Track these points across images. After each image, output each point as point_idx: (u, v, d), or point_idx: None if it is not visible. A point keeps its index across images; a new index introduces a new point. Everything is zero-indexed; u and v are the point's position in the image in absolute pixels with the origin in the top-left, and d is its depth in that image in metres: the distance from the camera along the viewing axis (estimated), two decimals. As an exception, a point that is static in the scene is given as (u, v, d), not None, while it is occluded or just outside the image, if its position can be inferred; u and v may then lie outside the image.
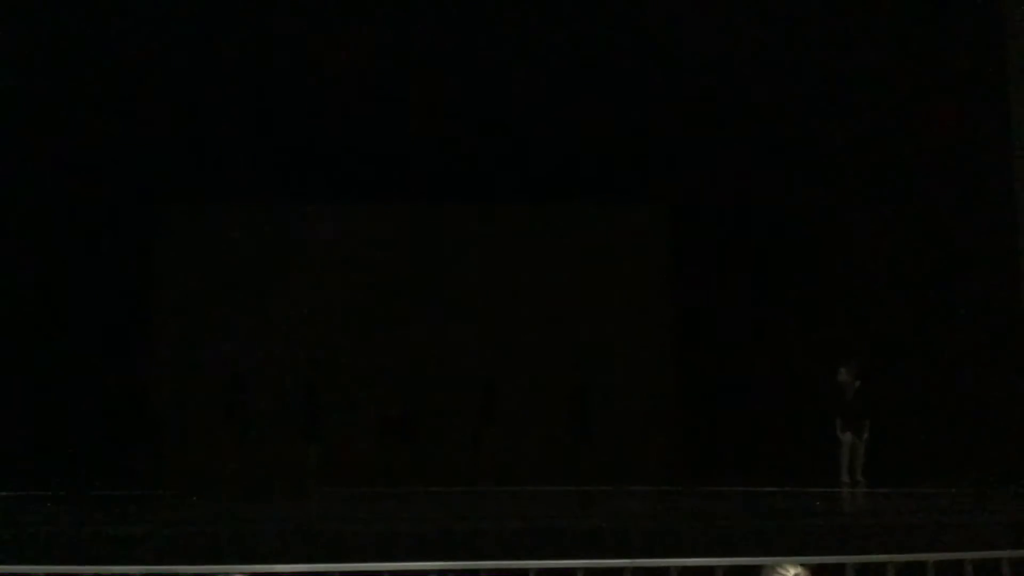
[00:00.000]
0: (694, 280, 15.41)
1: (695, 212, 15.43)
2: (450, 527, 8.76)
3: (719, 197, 14.91)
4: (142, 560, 7.77)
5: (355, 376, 15.63)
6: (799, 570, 4.97)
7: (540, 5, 14.02)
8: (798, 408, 13.65)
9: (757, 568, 5.00)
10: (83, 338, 14.38)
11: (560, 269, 16.08)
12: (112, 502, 10.88)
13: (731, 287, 14.88)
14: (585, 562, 8.00)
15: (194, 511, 10.44)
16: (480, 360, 15.69)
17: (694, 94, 14.41)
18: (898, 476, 11.77)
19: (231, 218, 16.04)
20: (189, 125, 14.61)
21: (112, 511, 9.91)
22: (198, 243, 15.97)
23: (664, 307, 16.11)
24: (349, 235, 16.17)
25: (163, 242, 16.01)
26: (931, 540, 8.13)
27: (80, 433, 13.67)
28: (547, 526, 8.85)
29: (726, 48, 14.03)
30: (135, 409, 15.12)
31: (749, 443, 13.99)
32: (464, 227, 16.25)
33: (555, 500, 11.87)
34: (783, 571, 4.95)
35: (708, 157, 14.72)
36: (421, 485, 13.29)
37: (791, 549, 7.99)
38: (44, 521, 8.97)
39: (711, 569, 8.01)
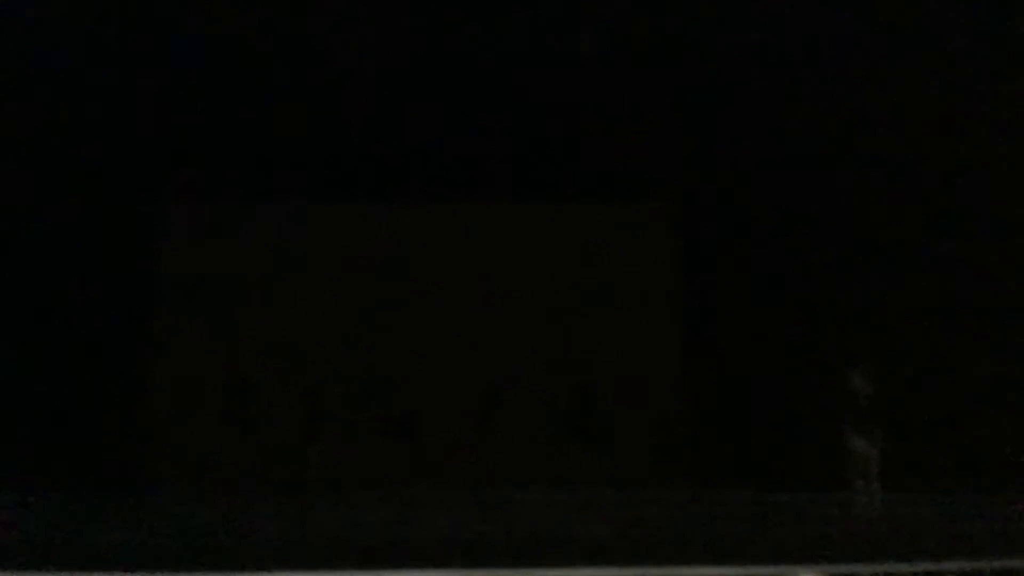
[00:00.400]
0: (701, 281, 15.36)
1: (702, 212, 15.40)
2: (452, 533, 8.69)
3: (726, 197, 14.88)
4: (144, 565, 7.71)
5: (358, 378, 15.59)
6: None
7: (544, 4, 14.01)
8: (807, 411, 13.59)
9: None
10: (84, 340, 14.34)
11: (565, 270, 16.04)
12: (114, 505, 10.82)
13: (738, 288, 14.83)
14: (592, 571, 7.92)
15: (196, 514, 10.37)
16: (483, 362, 15.65)
17: (701, 93, 14.37)
18: (916, 482, 11.68)
19: (234, 219, 16.00)
20: (194, 125, 14.59)
21: (114, 515, 9.85)
22: (200, 244, 15.92)
23: (670, 308, 16.06)
24: (352, 236, 16.12)
25: (165, 243, 15.96)
26: (950, 548, 8.04)
27: (80, 438, 13.64)
28: (551, 532, 8.77)
29: (733, 45, 14.00)
30: (136, 413, 15.08)
31: (758, 447, 13.93)
32: (468, 227, 16.19)
33: (559, 504, 11.81)
34: None
35: (715, 156, 14.69)
36: (423, 488, 13.25)
37: (805, 557, 7.91)
38: (46, 525, 8.90)
39: (723, 578, 7.95)
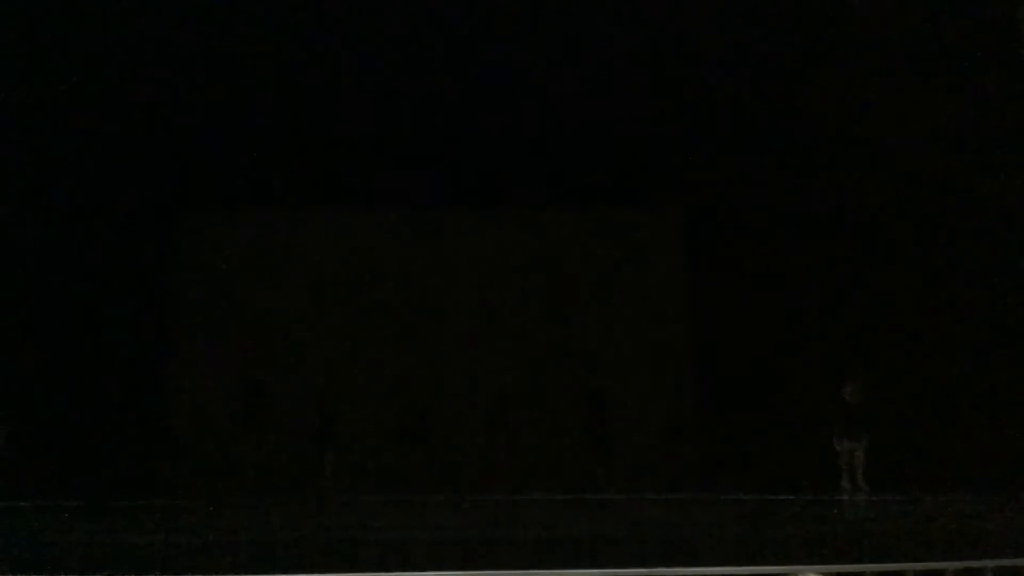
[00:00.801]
0: (709, 286, 15.40)
1: (711, 217, 15.44)
2: (465, 535, 8.75)
3: (735, 202, 14.92)
4: (159, 570, 7.78)
5: (371, 383, 15.67)
6: None
7: (553, 7, 14.06)
8: (814, 415, 13.65)
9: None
10: (99, 346, 14.43)
11: (575, 275, 16.10)
12: (129, 511, 10.91)
13: (747, 293, 14.88)
14: (601, 571, 7.98)
15: (211, 520, 10.46)
16: (495, 367, 15.71)
17: (711, 97, 14.41)
18: (913, 482, 11.76)
19: (248, 225, 16.10)
20: (208, 134, 14.66)
21: (129, 520, 9.93)
22: (216, 250, 16.02)
23: (679, 313, 16.11)
24: (366, 241, 16.21)
25: (180, 249, 16.06)
26: (949, 547, 8.11)
27: (96, 442, 13.72)
28: (562, 535, 8.84)
29: (741, 51, 14.05)
30: (151, 417, 15.18)
31: (765, 450, 13.99)
32: (479, 233, 16.27)
33: (570, 508, 11.86)
34: None
35: (724, 162, 14.73)
36: (437, 493, 13.31)
37: (811, 557, 7.98)
38: (61, 531, 8.98)
39: (729, 578, 8.00)
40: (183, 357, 15.70)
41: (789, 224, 14.55)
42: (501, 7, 13.96)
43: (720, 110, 14.43)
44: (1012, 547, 8.23)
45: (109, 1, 13.45)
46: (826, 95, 13.96)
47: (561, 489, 13.26)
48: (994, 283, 12.14)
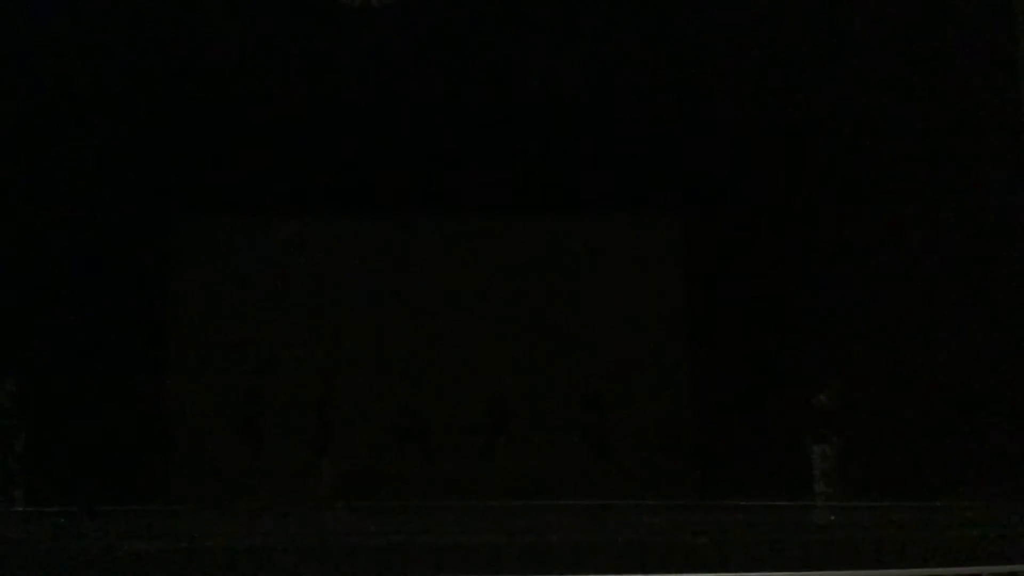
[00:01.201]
0: (709, 292, 15.38)
1: (711, 223, 15.41)
2: (464, 541, 8.74)
3: (736, 208, 14.90)
4: (159, 574, 7.76)
5: (369, 389, 15.64)
6: None
7: (557, 13, 14.05)
8: (812, 421, 13.63)
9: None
10: (94, 351, 14.41)
11: (575, 281, 16.07)
12: (125, 517, 10.89)
13: (747, 299, 14.85)
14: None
15: (209, 526, 10.44)
16: (494, 373, 15.69)
17: (711, 104, 14.39)
18: (909, 489, 11.74)
19: (245, 231, 16.08)
20: (206, 137, 14.66)
21: (128, 526, 9.91)
22: (212, 257, 16.00)
23: (679, 319, 16.08)
24: (366, 249, 16.19)
25: (178, 256, 16.05)
26: (947, 553, 8.07)
27: (92, 448, 13.71)
28: (562, 540, 8.83)
29: (744, 57, 14.03)
30: (148, 423, 15.15)
31: (763, 456, 13.97)
32: (479, 240, 16.25)
33: (570, 514, 11.83)
34: None
35: (724, 168, 14.71)
36: (435, 499, 13.28)
37: (804, 563, 7.96)
38: (59, 537, 8.97)
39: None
40: (180, 363, 15.67)
41: (789, 230, 14.53)
42: (506, 12, 13.97)
43: (721, 115, 14.42)
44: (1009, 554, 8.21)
45: (113, 3, 13.47)
46: (825, 101, 13.96)
47: (560, 495, 13.23)
48: (979, 289, 12.15)
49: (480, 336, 16.29)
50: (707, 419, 15.40)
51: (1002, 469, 11.66)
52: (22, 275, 13.74)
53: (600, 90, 14.61)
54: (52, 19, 13.49)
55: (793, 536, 8.87)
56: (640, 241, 16.53)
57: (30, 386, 13.16)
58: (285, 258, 16.18)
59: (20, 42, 13.43)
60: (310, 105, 14.83)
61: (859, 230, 14.23)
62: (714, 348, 15.39)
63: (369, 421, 15.75)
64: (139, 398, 15.16)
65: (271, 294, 16.14)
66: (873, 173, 13.88)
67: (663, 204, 16.16)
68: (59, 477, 13.32)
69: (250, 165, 15.06)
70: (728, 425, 14.69)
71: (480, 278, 16.40)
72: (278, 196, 15.42)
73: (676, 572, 8.09)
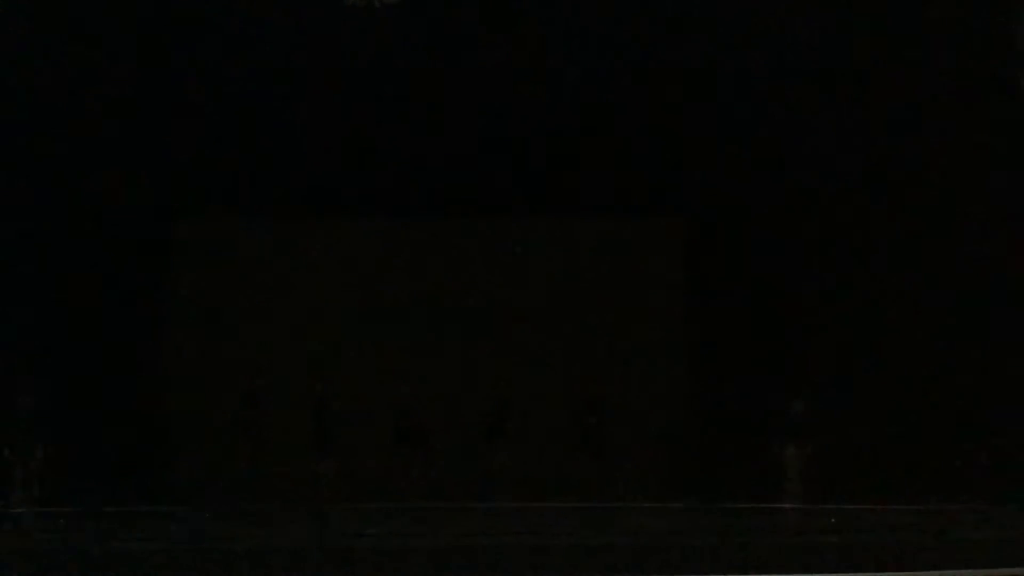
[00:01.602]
0: (710, 294, 15.39)
1: (711, 226, 15.43)
2: (464, 543, 8.76)
3: (737, 212, 14.91)
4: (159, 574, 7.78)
5: (369, 391, 15.66)
6: None
7: (560, 14, 14.07)
8: (815, 423, 13.66)
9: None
10: (94, 353, 14.43)
11: (576, 283, 16.08)
12: (126, 518, 10.90)
13: (748, 301, 14.87)
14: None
15: (209, 527, 10.46)
16: (494, 375, 15.71)
17: (713, 104, 14.41)
18: (911, 492, 11.76)
19: (244, 231, 16.10)
20: (205, 136, 14.68)
21: (126, 527, 9.93)
22: (211, 257, 16.02)
23: (679, 321, 16.09)
24: (365, 249, 16.21)
25: (178, 257, 16.07)
26: (956, 557, 8.08)
27: (92, 449, 13.73)
28: (562, 543, 8.85)
29: (748, 56, 14.05)
30: (148, 424, 15.18)
31: (765, 459, 14.00)
32: (478, 241, 16.27)
33: (570, 516, 11.85)
34: None
35: (726, 170, 14.72)
36: (435, 501, 13.30)
37: (806, 566, 7.97)
38: (58, 538, 8.99)
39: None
40: (181, 364, 15.68)
41: (789, 234, 14.54)
42: (508, 12, 13.99)
43: (721, 119, 14.43)
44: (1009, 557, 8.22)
45: (119, 3, 13.51)
46: (832, 99, 13.97)
47: (560, 497, 13.26)
48: (977, 291, 12.19)
49: (480, 338, 16.30)
50: (708, 421, 15.42)
51: (1001, 471, 11.70)
52: (20, 278, 13.77)
53: (603, 90, 14.62)
54: (58, 17, 13.53)
55: (794, 539, 8.89)
56: (641, 243, 16.55)
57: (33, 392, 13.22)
58: (286, 259, 16.21)
59: (23, 40, 13.47)
60: (314, 104, 14.84)
61: (859, 234, 14.27)
62: (715, 350, 15.41)
63: (369, 423, 15.76)
64: (138, 399, 15.18)
65: (272, 295, 16.17)
66: (877, 179, 13.92)
67: (665, 206, 16.19)
68: (59, 479, 13.35)
69: (250, 164, 15.08)
70: (729, 427, 14.71)
71: (480, 280, 16.42)
72: (279, 196, 15.45)
73: (677, 575, 8.10)
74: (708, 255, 15.97)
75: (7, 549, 8.61)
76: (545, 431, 16.13)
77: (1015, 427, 12.10)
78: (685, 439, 16.16)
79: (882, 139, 13.43)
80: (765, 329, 15.49)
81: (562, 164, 15.86)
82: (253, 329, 16.55)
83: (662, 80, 15.01)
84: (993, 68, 12.43)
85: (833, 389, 12.86)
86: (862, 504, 12.17)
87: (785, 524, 10.62)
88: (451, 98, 15.17)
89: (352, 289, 16.59)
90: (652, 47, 14.71)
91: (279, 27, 14.40)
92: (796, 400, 14.76)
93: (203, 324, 16.39)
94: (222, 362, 16.52)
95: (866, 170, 13.94)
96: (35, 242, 14.23)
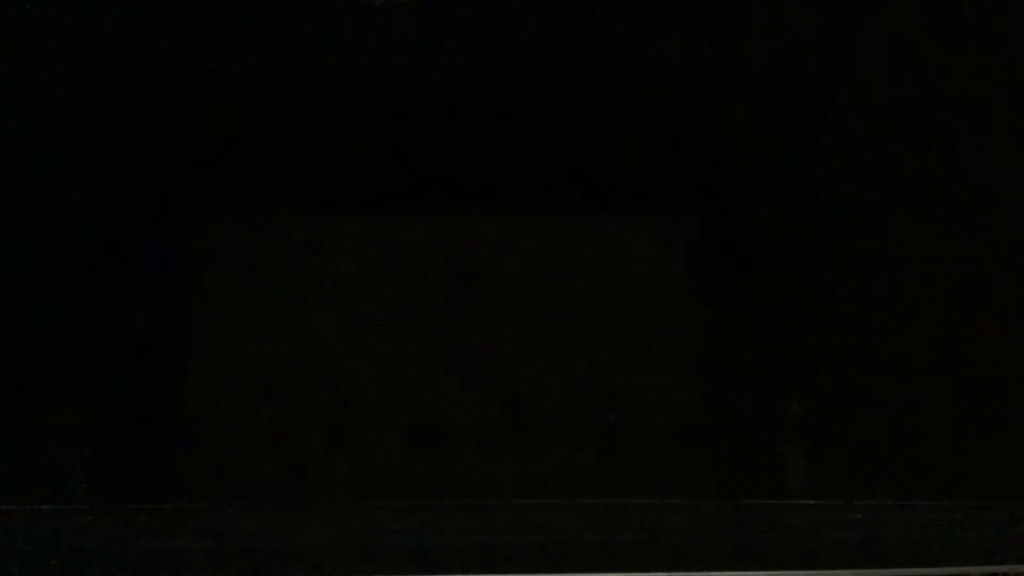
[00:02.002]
0: (726, 289, 15.45)
1: (727, 223, 15.49)
2: (481, 540, 8.90)
3: (753, 207, 14.97)
4: (179, 572, 7.92)
5: (385, 388, 15.76)
6: None
7: (571, 10, 14.14)
8: (833, 420, 13.71)
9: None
10: (114, 349, 14.56)
11: (590, 280, 16.15)
12: (145, 515, 11.04)
13: (766, 297, 14.93)
14: (619, 576, 8.07)
15: (228, 524, 10.60)
16: (510, 371, 15.79)
17: (728, 100, 14.46)
18: (934, 488, 11.79)
19: (262, 231, 16.22)
20: (222, 136, 14.78)
21: (150, 524, 10.07)
22: (230, 256, 16.15)
23: (695, 317, 16.16)
24: (381, 249, 16.30)
25: (196, 257, 16.20)
26: (978, 553, 8.16)
27: (115, 446, 13.87)
28: (578, 539, 8.96)
29: (760, 50, 14.10)
30: (167, 421, 15.31)
31: (783, 456, 14.06)
32: (493, 238, 16.35)
33: (586, 512, 11.94)
34: None
35: (742, 166, 14.78)
36: (452, 497, 13.41)
37: (825, 563, 8.05)
38: (83, 535, 9.13)
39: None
40: (199, 362, 15.80)
41: (809, 230, 14.60)
42: (520, 12, 14.07)
43: (733, 113, 14.50)
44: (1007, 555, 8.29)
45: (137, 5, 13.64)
46: (850, 95, 14.03)
47: (577, 493, 13.33)
48: (981, 288, 12.26)
49: (496, 334, 16.38)
50: (725, 417, 15.49)
51: (1002, 468, 11.76)
52: (44, 278, 13.92)
53: (610, 85, 14.69)
54: (77, 17, 13.65)
55: (815, 535, 8.98)
56: (657, 239, 16.62)
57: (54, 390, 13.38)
58: (303, 258, 16.33)
59: (42, 41, 13.60)
60: (331, 105, 14.93)
61: (879, 229, 14.33)
62: (733, 346, 15.47)
63: (387, 421, 15.85)
64: (157, 396, 15.31)
65: (289, 294, 16.28)
66: (894, 177, 13.98)
67: (679, 202, 16.26)
68: (80, 476, 13.51)
69: (267, 165, 15.18)
70: (746, 423, 14.77)
71: (496, 278, 16.50)
72: (297, 196, 15.55)
73: (695, 570, 8.20)
74: (727, 252, 16.05)
75: (29, 548, 8.74)
76: (562, 429, 16.23)
77: None
78: (703, 436, 16.25)
79: (897, 138, 13.49)
80: (785, 324, 15.57)
81: (581, 160, 15.94)
82: (275, 329, 16.69)
83: (676, 75, 15.09)
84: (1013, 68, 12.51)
85: (854, 385, 12.91)
86: (885, 500, 12.22)
87: (806, 520, 10.68)
88: (464, 97, 15.25)
89: (372, 288, 16.70)
90: (666, 41, 14.79)
91: (306, 26, 14.51)
92: (814, 397, 14.86)
93: (225, 324, 16.54)
94: (243, 362, 16.66)
95: (885, 168, 14.00)
96: (62, 246, 14.37)
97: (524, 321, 15.04)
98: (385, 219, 15.51)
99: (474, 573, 8.07)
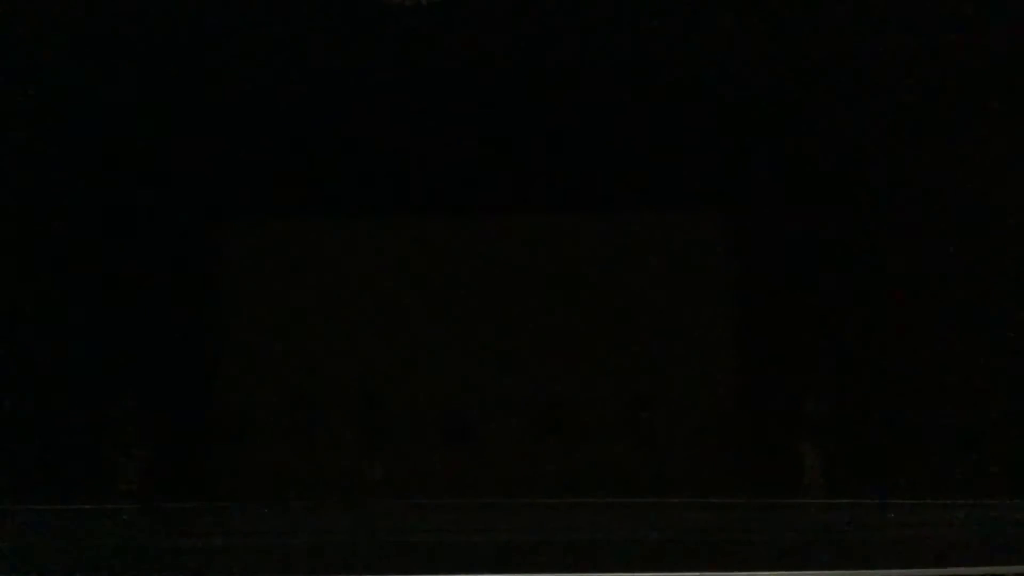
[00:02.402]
0: (756, 287, 15.43)
1: (758, 220, 15.46)
2: (512, 539, 8.97)
3: (784, 204, 14.93)
4: (216, 572, 8.03)
5: (417, 387, 15.84)
6: None
7: (596, 11, 14.13)
8: (861, 418, 13.68)
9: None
10: (148, 348, 14.70)
11: (620, 280, 16.16)
12: (181, 513, 11.15)
13: (797, 295, 14.90)
14: (648, 575, 8.13)
15: (262, 522, 10.70)
16: (542, 370, 15.83)
17: (758, 96, 14.42)
18: (966, 487, 11.78)
19: (294, 233, 16.32)
20: (255, 137, 14.87)
21: (182, 522, 10.18)
22: (261, 259, 16.25)
23: (727, 315, 16.14)
24: (412, 249, 16.36)
25: (228, 258, 16.32)
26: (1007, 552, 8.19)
27: (147, 444, 14.02)
28: (611, 538, 9.02)
29: (787, 46, 14.05)
30: (201, 420, 15.45)
31: (816, 454, 14.06)
32: (524, 238, 16.38)
33: (616, 510, 11.96)
34: None
35: (773, 162, 14.74)
36: (483, 496, 13.45)
37: (863, 561, 8.08)
38: (113, 533, 9.24)
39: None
40: (233, 361, 15.92)
41: (839, 228, 14.57)
42: (543, 9, 14.07)
43: (764, 109, 14.47)
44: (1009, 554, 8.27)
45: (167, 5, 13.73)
46: (873, 101, 13.99)
47: (609, 492, 13.36)
48: (983, 290, 12.20)
49: (527, 334, 16.40)
50: (757, 416, 15.47)
51: (1004, 468, 11.68)
52: (75, 279, 14.06)
53: (640, 83, 14.67)
54: (102, 19, 13.76)
55: (845, 534, 9.00)
56: (688, 237, 16.60)
57: (89, 390, 13.54)
58: (333, 258, 16.42)
59: (66, 45, 13.70)
60: (360, 103, 14.99)
61: (909, 222, 14.29)
62: (766, 345, 15.43)
63: (418, 418, 15.93)
64: (191, 395, 15.45)
65: (319, 293, 16.37)
66: (917, 174, 13.92)
67: (710, 201, 16.23)
68: (113, 474, 13.66)
69: (299, 165, 15.26)
70: (779, 422, 14.75)
71: (527, 277, 16.52)
72: (328, 198, 15.62)
73: (727, 570, 8.25)
74: (757, 248, 16.02)
75: (63, 544, 8.87)
76: (593, 426, 16.25)
77: None
78: (734, 434, 16.23)
79: (934, 136, 13.42)
80: (817, 323, 15.50)
81: (611, 158, 15.92)
82: (308, 328, 16.79)
83: (707, 71, 15.04)
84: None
85: (887, 383, 12.86)
86: (917, 499, 12.17)
87: (837, 520, 10.67)
88: (492, 96, 15.26)
89: (402, 287, 16.76)
90: (700, 40, 14.76)
91: (330, 28, 14.57)
92: (845, 395, 14.82)
93: (257, 324, 16.66)
94: (275, 361, 16.77)
95: (915, 167, 13.94)
96: (93, 248, 14.50)
97: (555, 320, 15.11)
98: (419, 218, 15.59)
99: (508, 573, 8.15)
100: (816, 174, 14.96)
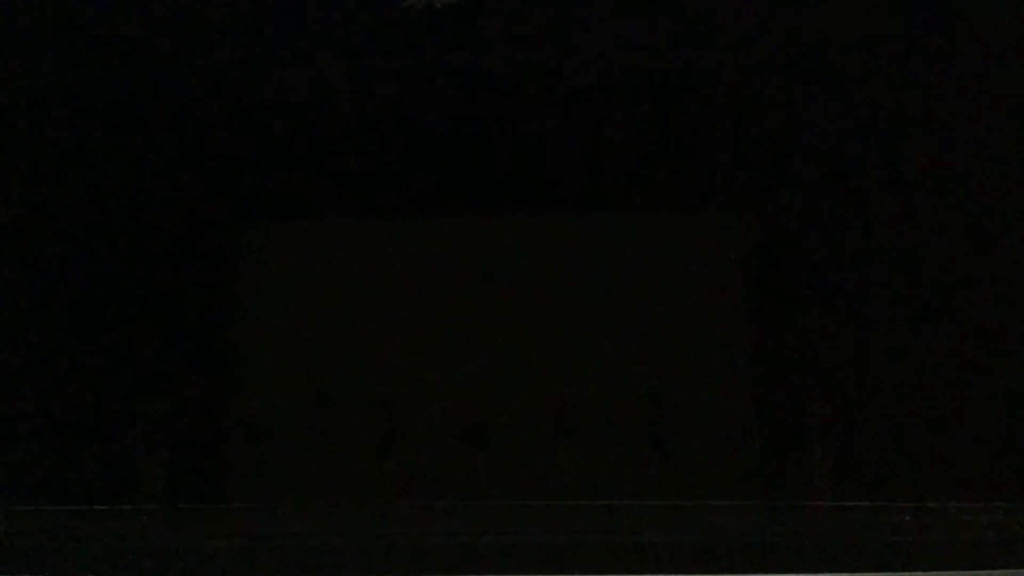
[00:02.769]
0: (774, 289, 15.32)
1: (776, 221, 15.35)
2: (528, 540, 8.80)
3: (801, 205, 14.82)
4: (232, 573, 7.88)
5: (433, 390, 15.74)
6: None
7: (616, 14, 14.04)
8: (877, 421, 13.57)
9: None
10: (166, 353, 14.61)
11: (638, 279, 16.05)
12: (199, 515, 11.05)
13: (812, 298, 14.78)
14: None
15: (283, 523, 10.59)
16: (557, 372, 15.73)
17: (775, 99, 14.31)
18: (988, 491, 11.65)
19: (312, 234, 16.25)
20: (269, 139, 14.81)
21: (199, 524, 10.06)
22: (278, 261, 16.19)
23: (742, 318, 16.02)
24: (429, 250, 16.30)
25: (245, 259, 16.22)
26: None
27: (165, 446, 13.93)
28: (626, 540, 8.86)
29: (801, 48, 13.96)
30: (219, 423, 15.36)
31: (832, 458, 13.92)
32: (539, 239, 16.29)
33: (631, 513, 11.86)
34: None
35: (789, 164, 14.63)
36: (498, 498, 13.36)
37: (878, 565, 7.94)
38: (135, 536, 9.12)
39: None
40: (250, 365, 15.84)
41: (855, 231, 14.46)
42: (561, 12, 13.99)
43: (788, 110, 14.34)
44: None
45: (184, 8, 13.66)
46: (889, 107, 13.87)
47: (624, 494, 13.26)
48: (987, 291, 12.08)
49: (542, 335, 16.32)
50: (773, 419, 15.36)
51: (1006, 471, 11.58)
52: (95, 281, 13.97)
53: (659, 85, 14.56)
54: (121, 22, 13.69)
55: (864, 537, 8.85)
56: (705, 239, 16.48)
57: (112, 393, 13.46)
58: (350, 260, 16.32)
59: (85, 46, 13.63)
60: (375, 108, 14.92)
61: (925, 232, 14.16)
62: (778, 345, 15.34)
63: (433, 420, 15.84)
64: (209, 399, 15.36)
65: (337, 296, 16.29)
66: (931, 185, 13.80)
67: (725, 204, 16.12)
68: (134, 477, 13.57)
69: (317, 167, 15.19)
70: (795, 425, 14.64)
71: (542, 278, 16.44)
72: (345, 199, 15.55)
73: (743, 572, 8.08)
74: (772, 252, 15.90)
75: (83, 546, 8.75)
76: (608, 429, 16.14)
77: None
78: (750, 437, 16.10)
79: (947, 145, 13.32)
80: (832, 326, 15.39)
81: (628, 160, 15.82)
82: (327, 335, 16.71)
83: (724, 74, 14.94)
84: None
85: (904, 387, 12.76)
86: (936, 502, 12.07)
87: (854, 522, 10.57)
88: (509, 97, 15.18)
89: (418, 290, 16.68)
90: (715, 41, 14.66)
91: (347, 31, 14.50)
92: (861, 398, 14.70)
93: (275, 327, 16.58)
94: (292, 363, 16.69)
95: (928, 178, 13.82)
96: (116, 254, 14.44)
97: (578, 321, 14.99)
98: (436, 224, 15.49)
99: (523, 574, 8.03)
100: (831, 180, 14.43)
